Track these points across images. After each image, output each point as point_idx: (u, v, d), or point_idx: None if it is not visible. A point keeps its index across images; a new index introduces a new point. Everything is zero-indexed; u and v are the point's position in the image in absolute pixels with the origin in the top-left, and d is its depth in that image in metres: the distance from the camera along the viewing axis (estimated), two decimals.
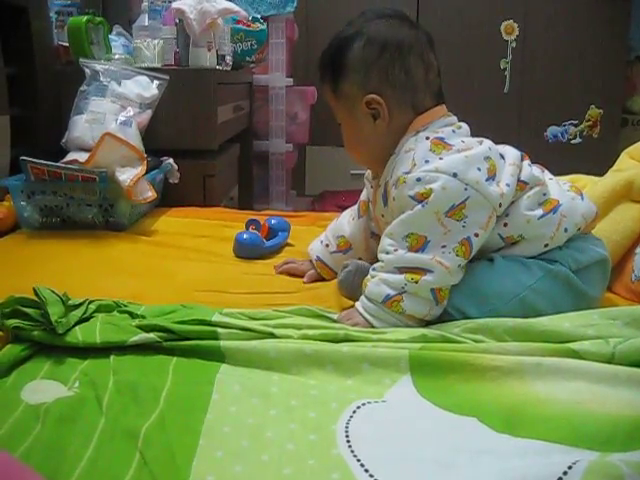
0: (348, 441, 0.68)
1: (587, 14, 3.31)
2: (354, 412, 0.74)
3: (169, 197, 1.81)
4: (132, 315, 0.95)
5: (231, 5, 1.96)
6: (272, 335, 0.89)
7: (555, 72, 3.36)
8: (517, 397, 0.75)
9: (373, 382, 0.81)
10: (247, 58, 2.38)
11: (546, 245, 0.99)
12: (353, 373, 0.82)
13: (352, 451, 0.67)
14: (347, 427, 0.71)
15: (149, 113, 1.75)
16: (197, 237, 1.51)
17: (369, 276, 0.99)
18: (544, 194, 1.01)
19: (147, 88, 1.74)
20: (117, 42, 2.02)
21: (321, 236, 1.28)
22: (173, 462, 0.64)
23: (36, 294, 0.92)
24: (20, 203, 1.52)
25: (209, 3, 1.85)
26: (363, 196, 1.22)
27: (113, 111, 1.66)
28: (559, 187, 1.05)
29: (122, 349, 0.88)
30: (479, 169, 0.96)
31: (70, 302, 0.94)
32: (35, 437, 0.69)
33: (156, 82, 1.77)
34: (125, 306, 0.99)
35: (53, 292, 0.93)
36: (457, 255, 0.94)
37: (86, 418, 0.72)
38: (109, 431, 0.70)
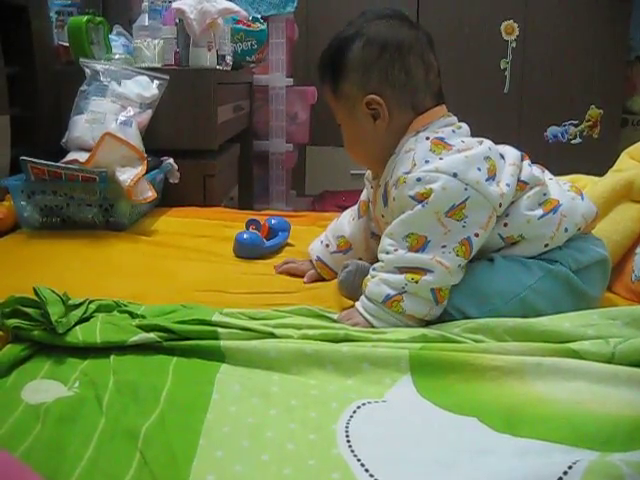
0: (348, 441, 0.68)
1: (587, 14, 3.31)
2: (354, 412, 0.74)
3: (169, 197, 1.81)
4: (132, 315, 0.95)
5: (231, 5, 1.96)
6: (272, 335, 0.89)
7: (555, 72, 3.36)
8: (517, 397, 0.76)
9: (373, 382, 0.81)
10: (247, 58, 2.38)
11: (546, 245, 0.99)
12: (353, 373, 0.82)
13: (352, 451, 0.67)
14: (347, 427, 0.71)
15: (149, 113, 1.75)
16: (197, 237, 1.51)
17: (369, 276, 0.99)
18: (544, 194, 1.01)
19: (147, 88, 1.74)
20: (117, 42, 2.02)
21: (321, 236, 1.28)
22: (173, 462, 0.64)
23: (36, 294, 0.92)
24: (20, 203, 1.52)
25: (209, 3, 1.85)
26: (363, 196, 1.22)
27: (113, 111, 1.66)
28: (559, 187, 1.05)
29: (122, 349, 0.88)
30: (479, 169, 0.96)
31: (70, 302, 0.94)
32: (35, 437, 0.69)
33: (156, 82, 1.77)
34: (125, 306, 0.99)
35: (53, 292, 0.93)
36: (457, 255, 0.94)
37: (86, 418, 0.72)
38: (109, 431, 0.70)
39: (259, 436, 0.69)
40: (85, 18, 1.86)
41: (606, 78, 3.34)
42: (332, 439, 0.69)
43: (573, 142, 3.43)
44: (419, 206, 0.94)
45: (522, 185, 0.99)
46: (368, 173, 1.17)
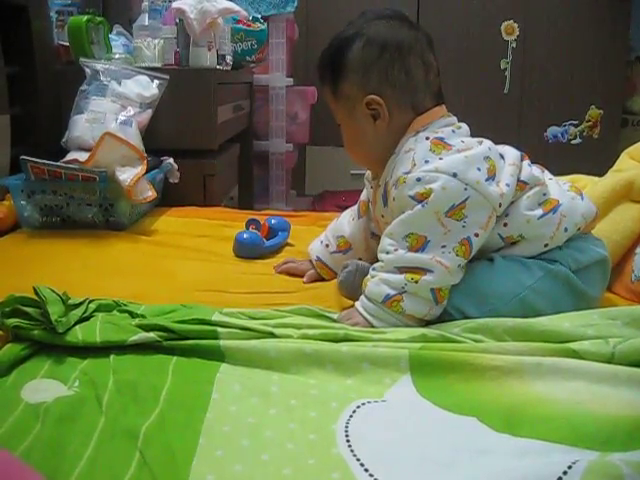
0: (348, 441, 0.68)
1: (587, 14, 3.31)
2: (354, 412, 0.74)
3: (169, 197, 1.81)
4: (132, 314, 0.95)
5: (231, 5, 1.96)
6: (272, 335, 0.89)
7: (555, 72, 3.36)
8: (517, 397, 0.76)
9: (373, 382, 0.81)
10: (247, 58, 2.38)
11: (546, 245, 0.99)
12: (353, 373, 0.82)
13: (352, 451, 0.67)
14: (347, 427, 0.71)
15: (149, 113, 1.75)
16: (197, 237, 1.51)
17: (369, 276, 0.99)
18: (544, 194, 1.01)
19: (147, 88, 1.74)
20: (117, 42, 2.02)
21: (321, 236, 1.28)
22: (173, 461, 0.64)
23: (36, 293, 0.92)
24: (20, 202, 1.52)
25: (209, 3, 1.85)
26: (363, 196, 1.22)
27: (113, 111, 1.66)
28: (559, 187, 1.05)
29: (122, 348, 0.88)
30: (479, 169, 0.96)
31: (70, 301, 0.94)
32: (35, 436, 0.69)
33: (156, 82, 1.77)
34: (125, 305, 0.99)
35: (53, 291, 0.93)
36: (457, 255, 0.94)
37: (86, 417, 0.72)
38: (109, 430, 0.70)
39: (259, 436, 0.69)
40: (85, 18, 1.86)
41: (606, 78, 3.34)
42: (332, 439, 0.69)
43: (573, 142, 3.43)
44: (419, 206, 0.94)
45: (522, 185, 1.00)
46: (368, 173, 1.17)
